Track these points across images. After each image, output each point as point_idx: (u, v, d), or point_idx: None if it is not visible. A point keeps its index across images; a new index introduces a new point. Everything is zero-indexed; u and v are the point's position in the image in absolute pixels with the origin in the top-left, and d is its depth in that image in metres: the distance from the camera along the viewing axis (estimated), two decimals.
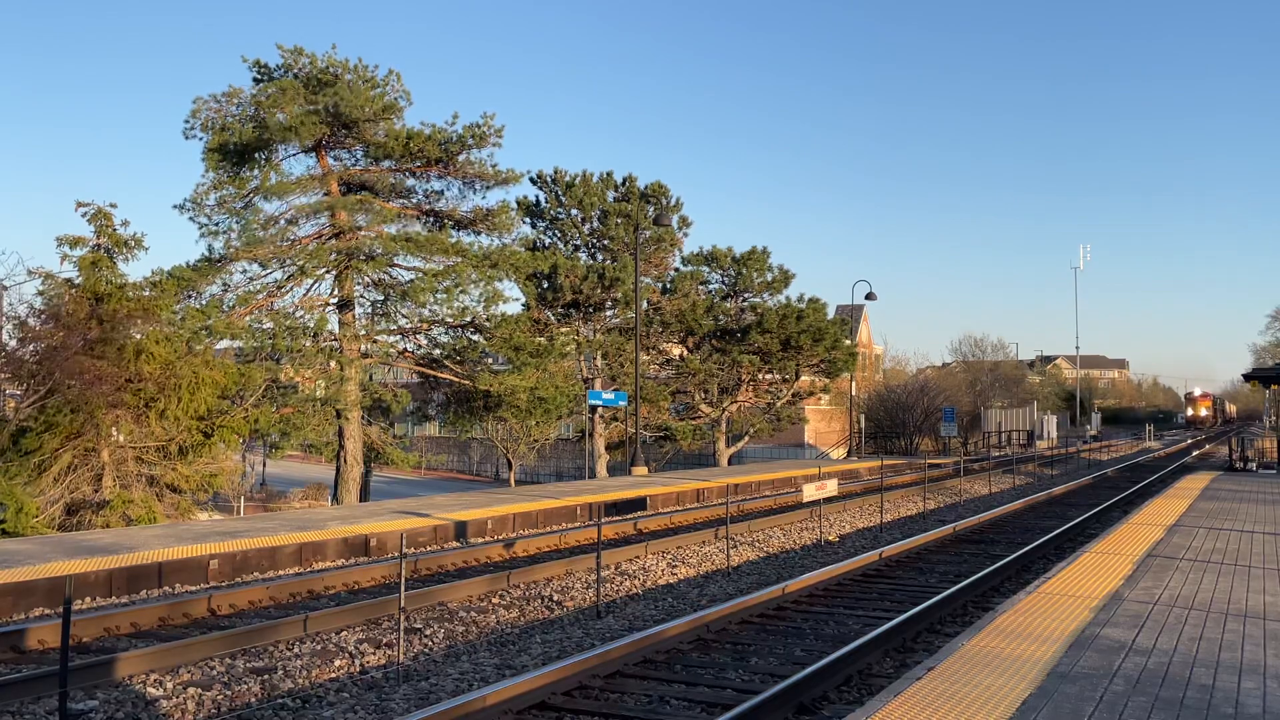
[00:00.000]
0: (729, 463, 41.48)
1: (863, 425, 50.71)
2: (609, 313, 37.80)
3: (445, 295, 28.53)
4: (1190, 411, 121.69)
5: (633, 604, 11.81)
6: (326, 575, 12.44)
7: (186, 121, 27.44)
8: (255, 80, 28.85)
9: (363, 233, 28.79)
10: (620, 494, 21.80)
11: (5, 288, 21.09)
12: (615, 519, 19.03)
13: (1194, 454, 53.82)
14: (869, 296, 41.81)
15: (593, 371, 37.51)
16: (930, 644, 9.54)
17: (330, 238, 28.50)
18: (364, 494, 29.28)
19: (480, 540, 16.54)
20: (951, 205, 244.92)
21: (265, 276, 28.69)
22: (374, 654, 9.13)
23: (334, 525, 15.89)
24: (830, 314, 42.27)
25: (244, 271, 28.34)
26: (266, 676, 8.26)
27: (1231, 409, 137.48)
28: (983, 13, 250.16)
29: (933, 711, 5.76)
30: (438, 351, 31.25)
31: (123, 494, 21.08)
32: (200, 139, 27.55)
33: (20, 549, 13.24)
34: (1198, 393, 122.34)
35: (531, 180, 38.84)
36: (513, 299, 33.94)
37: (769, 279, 41.48)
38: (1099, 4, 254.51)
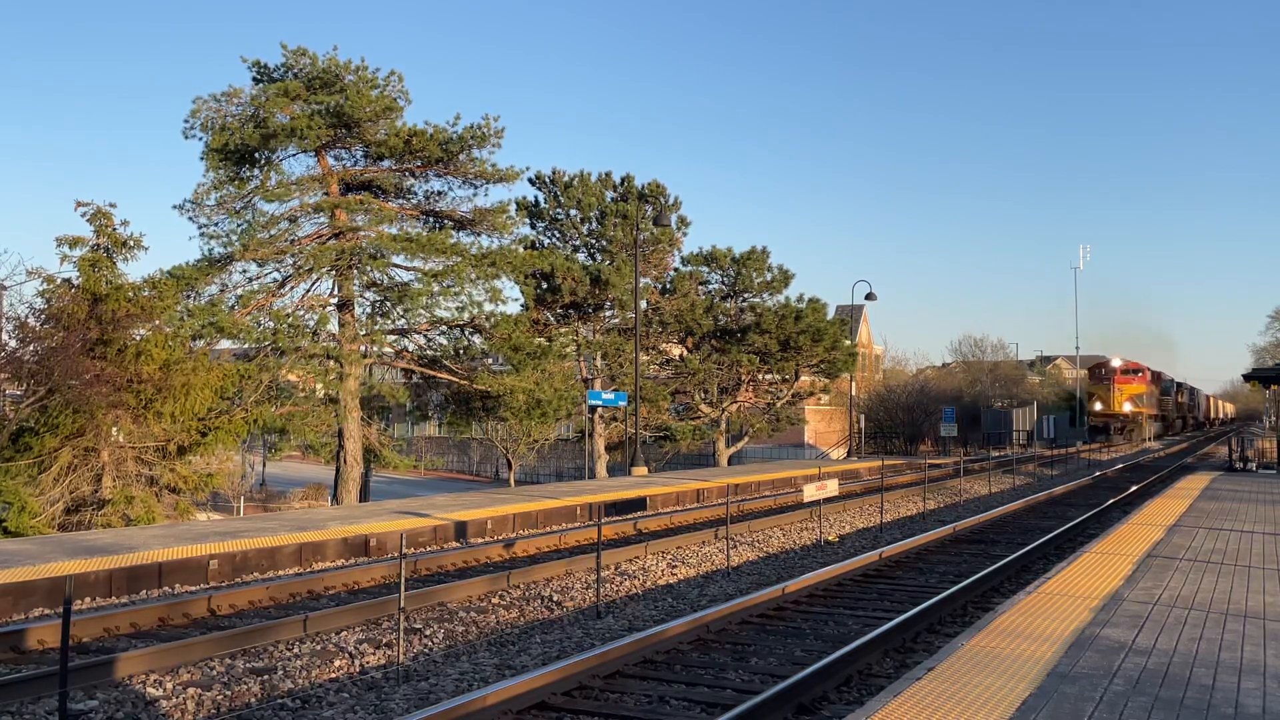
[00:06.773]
0: (729, 463, 41.47)
1: (862, 425, 50.69)
2: (608, 313, 37.79)
3: (445, 295, 28.55)
4: (1098, 405, 65.80)
5: (632, 604, 11.80)
6: (326, 575, 12.44)
7: (186, 121, 27.43)
8: (255, 80, 28.84)
9: (362, 233, 28.79)
10: (620, 494, 21.79)
11: (5, 288, 21.09)
12: (615, 519, 19.02)
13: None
14: (869, 296, 41.89)
15: (592, 372, 37.49)
16: (930, 644, 9.54)
17: (330, 238, 28.50)
18: (364, 494, 29.27)
19: (480, 540, 16.53)
20: (951, 206, 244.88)
21: (265, 276, 28.72)
22: (374, 654, 9.12)
23: (334, 525, 15.89)
24: (830, 314, 42.28)
25: (244, 272, 28.36)
26: (266, 677, 8.26)
27: (1229, 408, 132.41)
28: (982, 16, 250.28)
29: (933, 711, 5.76)
30: (436, 351, 31.25)
31: (122, 494, 21.07)
32: (200, 139, 27.54)
33: (20, 549, 13.23)
34: (1116, 364, 66.78)
35: (530, 181, 38.87)
36: (512, 299, 33.99)
37: (768, 279, 41.49)
38: (1100, 7, 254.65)
